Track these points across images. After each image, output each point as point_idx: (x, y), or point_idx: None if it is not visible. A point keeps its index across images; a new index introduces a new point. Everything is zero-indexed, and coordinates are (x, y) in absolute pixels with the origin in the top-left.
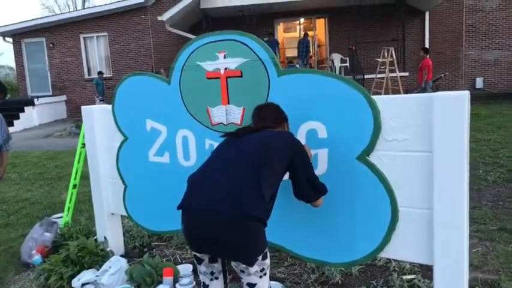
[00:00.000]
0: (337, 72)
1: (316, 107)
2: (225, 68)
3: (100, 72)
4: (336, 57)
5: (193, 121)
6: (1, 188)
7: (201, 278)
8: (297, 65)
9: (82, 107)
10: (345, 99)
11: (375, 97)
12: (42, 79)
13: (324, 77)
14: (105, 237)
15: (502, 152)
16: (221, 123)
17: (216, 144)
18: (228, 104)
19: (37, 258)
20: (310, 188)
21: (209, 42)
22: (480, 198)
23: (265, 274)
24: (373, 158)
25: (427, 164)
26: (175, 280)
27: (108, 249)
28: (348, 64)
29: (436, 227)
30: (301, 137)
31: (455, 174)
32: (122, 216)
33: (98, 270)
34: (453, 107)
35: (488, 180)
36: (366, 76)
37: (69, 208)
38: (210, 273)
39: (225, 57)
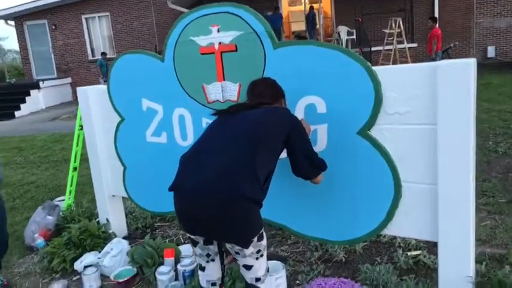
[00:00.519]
0: (344, 45)
1: (314, 81)
2: (219, 43)
3: (103, 53)
4: (343, 30)
5: (189, 99)
6: (7, 171)
7: (197, 260)
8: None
9: (77, 88)
10: (345, 71)
11: (375, 68)
12: (46, 62)
13: (322, 48)
14: (107, 219)
15: None
16: (218, 100)
17: None
18: (224, 80)
19: (40, 241)
20: (308, 165)
21: (202, 16)
22: (490, 170)
23: (261, 255)
24: (374, 132)
25: (431, 138)
26: (177, 261)
27: (111, 231)
28: (354, 37)
29: (441, 203)
30: (299, 112)
31: (461, 147)
32: (123, 197)
33: (99, 252)
34: (459, 76)
35: (498, 151)
36: (373, 48)
37: (70, 191)
38: (206, 255)
39: (218, 31)
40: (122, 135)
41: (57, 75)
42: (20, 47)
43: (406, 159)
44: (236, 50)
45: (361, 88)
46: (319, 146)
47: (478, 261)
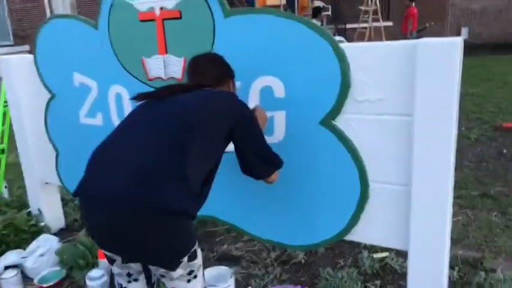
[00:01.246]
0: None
1: (271, 58)
2: (161, 8)
3: None
4: (318, 5)
5: (127, 75)
6: None
7: (116, 279)
8: None
9: (1, 57)
10: (307, 47)
11: (343, 45)
12: (1, 27)
13: (280, 18)
14: (39, 210)
15: (485, 107)
16: (159, 77)
17: None
18: (166, 53)
19: None
20: (259, 163)
21: None
22: (462, 159)
23: (195, 277)
24: (340, 122)
25: (405, 131)
26: None
27: (43, 223)
28: (329, 12)
29: (414, 208)
30: (254, 96)
31: (440, 145)
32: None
33: (24, 250)
34: (443, 58)
35: (470, 138)
36: (348, 26)
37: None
38: (127, 274)
39: None
40: (53, 114)
41: (14, 42)
42: None
43: (376, 156)
44: (180, 17)
45: (326, 68)
46: (276, 136)
47: (450, 266)
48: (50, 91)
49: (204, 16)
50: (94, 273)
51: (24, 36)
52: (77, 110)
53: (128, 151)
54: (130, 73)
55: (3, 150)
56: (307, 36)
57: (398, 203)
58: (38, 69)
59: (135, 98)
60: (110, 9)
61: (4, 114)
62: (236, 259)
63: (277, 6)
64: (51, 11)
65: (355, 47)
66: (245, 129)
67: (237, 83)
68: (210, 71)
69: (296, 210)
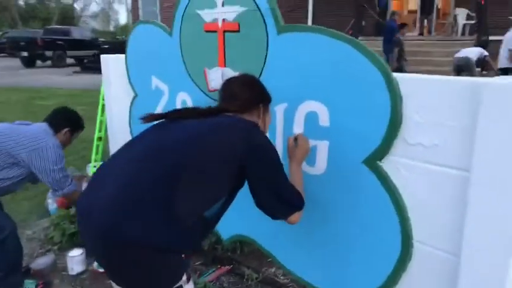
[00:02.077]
0: (460, 31)
1: (319, 82)
2: (223, 20)
3: None
4: (461, 13)
5: (192, 84)
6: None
7: None
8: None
9: (101, 55)
10: (356, 73)
11: (397, 75)
12: None
13: (332, 39)
14: None
15: None
16: (218, 90)
17: None
18: (225, 66)
19: (53, 208)
20: (274, 202)
21: None
22: None
23: None
24: (386, 166)
25: (460, 189)
26: None
27: None
28: (474, 21)
29: (462, 284)
30: (299, 120)
31: (501, 216)
32: None
33: None
34: None
35: None
36: (491, 37)
37: (95, 160)
38: None
39: (223, 5)
40: (135, 113)
41: None
42: (132, 7)
43: (423, 213)
44: (239, 30)
45: (375, 100)
46: (318, 167)
47: None
48: (133, 90)
49: (258, 30)
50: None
51: None
52: (152, 111)
53: (121, 168)
54: (194, 82)
55: (100, 138)
56: (357, 61)
57: (446, 272)
58: (127, 69)
59: (143, 119)
60: (182, 17)
61: (103, 106)
62: (279, 286)
63: (414, 12)
64: None
65: (411, 78)
66: (259, 168)
67: (283, 105)
68: (239, 95)
69: (330, 253)
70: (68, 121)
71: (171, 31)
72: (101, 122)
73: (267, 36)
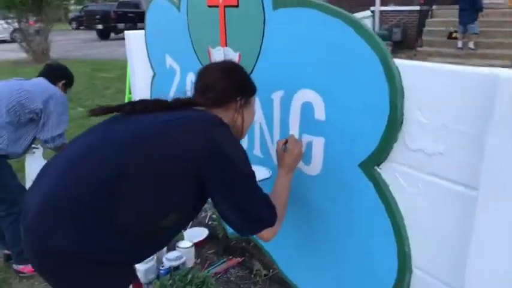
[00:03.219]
0: None
1: (314, 66)
2: None
3: None
4: None
5: (199, 64)
6: None
7: None
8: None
9: (125, 32)
10: (352, 58)
11: (398, 62)
12: None
13: (325, 14)
14: None
15: None
16: None
17: None
18: (226, 45)
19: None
20: (237, 217)
21: None
22: None
23: None
24: (384, 173)
25: (466, 212)
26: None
27: None
28: None
29: None
30: (295, 112)
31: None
32: None
33: None
34: None
35: None
36: None
37: None
38: None
39: None
40: (154, 93)
41: None
42: None
43: (423, 235)
44: (237, 5)
45: (372, 92)
46: (313, 167)
47: None
48: (152, 69)
49: (255, 5)
50: (171, 254)
51: None
52: (168, 92)
53: (55, 172)
54: (200, 62)
55: None
56: (354, 43)
57: None
58: (146, 47)
59: (92, 112)
60: None
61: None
62: (287, 286)
63: None
64: None
65: (413, 66)
66: (217, 178)
67: (279, 93)
68: (214, 86)
69: (322, 262)
70: (63, 75)
71: (179, 5)
72: (129, 99)
73: (264, 11)
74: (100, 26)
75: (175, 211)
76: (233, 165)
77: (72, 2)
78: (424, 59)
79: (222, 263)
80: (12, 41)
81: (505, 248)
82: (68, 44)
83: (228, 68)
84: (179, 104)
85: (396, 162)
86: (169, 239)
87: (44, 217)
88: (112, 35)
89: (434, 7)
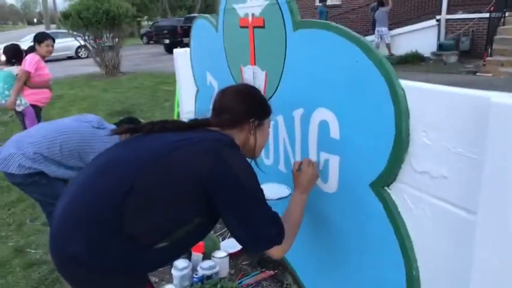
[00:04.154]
0: None
1: (329, 87)
2: (252, 14)
3: (323, 0)
4: None
5: (232, 81)
6: None
7: None
8: None
9: (174, 50)
10: (362, 79)
11: (405, 83)
12: None
13: (338, 36)
14: None
15: None
16: None
17: None
18: (255, 64)
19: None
20: (244, 235)
21: None
22: None
23: None
24: (394, 194)
25: (468, 237)
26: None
27: None
28: None
29: None
30: (313, 130)
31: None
32: None
33: None
34: None
35: None
36: None
37: None
38: None
39: None
40: (198, 108)
41: None
42: None
43: (431, 260)
44: (264, 27)
45: (380, 113)
46: (330, 185)
47: None
48: (196, 85)
49: (278, 26)
50: (180, 263)
51: None
52: (207, 108)
53: (78, 184)
54: (234, 80)
55: None
56: (363, 64)
57: None
58: (191, 64)
59: (114, 131)
60: (224, 12)
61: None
62: None
63: None
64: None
65: (417, 88)
66: (224, 195)
67: (300, 111)
68: (228, 108)
69: (340, 279)
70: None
71: (217, 26)
72: (178, 113)
73: (285, 32)
74: (167, 41)
75: (184, 226)
76: (240, 184)
77: (145, 18)
78: (494, 70)
79: (255, 275)
80: (77, 57)
81: (505, 276)
82: (138, 58)
83: (243, 91)
84: (196, 124)
85: (404, 183)
86: (180, 253)
87: (62, 226)
88: (178, 48)
89: (507, 14)
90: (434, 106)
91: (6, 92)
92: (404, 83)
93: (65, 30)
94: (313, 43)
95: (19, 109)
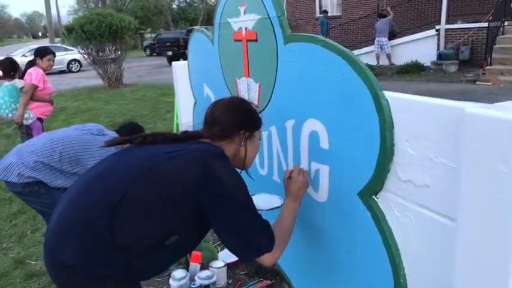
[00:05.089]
0: None
1: (318, 98)
2: (245, 28)
3: (324, 11)
4: None
5: (228, 93)
6: None
7: None
8: None
9: (173, 62)
10: (347, 90)
11: (388, 94)
12: None
13: (324, 49)
14: None
15: None
16: None
17: None
18: (249, 76)
19: None
20: (233, 242)
21: None
22: None
23: None
24: (382, 203)
25: (451, 243)
26: (205, 267)
27: None
28: None
29: None
30: (304, 141)
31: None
32: None
33: None
34: (504, 143)
35: None
36: None
37: None
38: None
39: (244, 13)
40: (195, 120)
41: None
42: None
43: (417, 265)
44: (256, 40)
45: (365, 124)
46: (321, 194)
47: None
48: (194, 97)
49: (270, 40)
50: (178, 273)
51: (294, 26)
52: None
53: (71, 194)
54: (229, 91)
55: None
56: (348, 76)
57: None
58: (189, 75)
59: (107, 143)
60: (219, 25)
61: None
62: None
63: None
64: (320, 6)
65: (399, 99)
66: (213, 204)
67: (291, 121)
68: (219, 120)
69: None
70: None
71: (213, 39)
72: (177, 124)
73: (277, 46)
74: (170, 53)
75: (175, 234)
76: (229, 193)
77: (148, 30)
78: (494, 78)
79: (252, 285)
80: (69, 71)
81: (485, 282)
82: (141, 70)
83: (234, 104)
84: (187, 136)
85: (391, 192)
86: (171, 261)
87: (56, 234)
88: (181, 60)
89: (506, 23)
90: (416, 116)
91: (13, 106)
92: (387, 94)
93: (58, 44)
94: (302, 56)
95: (27, 122)
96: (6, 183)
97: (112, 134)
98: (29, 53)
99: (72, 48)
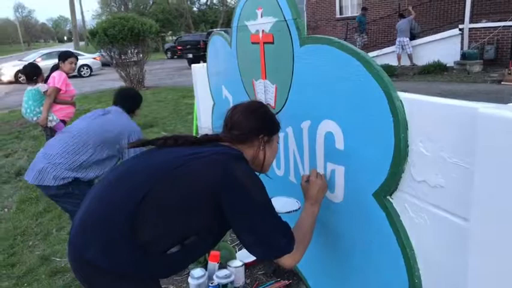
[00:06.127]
0: None
1: (334, 99)
2: (262, 31)
3: (364, 9)
4: None
5: (245, 95)
6: None
7: None
8: None
9: (192, 65)
10: (361, 91)
11: (402, 96)
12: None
13: (338, 51)
14: None
15: None
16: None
17: None
18: (266, 78)
19: None
20: (253, 243)
21: None
22: None
23: None
24: (396, 203)
25: (465, 243)
26: (224, 266)
27: None
28: None
29: None
30: (320, 141)
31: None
32: None
33: None
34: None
35: None
36: None
37: None
38: None
39: (261, 16)
40: (214, 121)
41: (307, 33)
42: None
43: (431, 265)
44: (273, 42)
45: (379, 124)
46: (336, 195)
47: None
48: (212, 98)
49: (286, 42)
50: (197, 272)
51: (314, 27)
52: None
53: (95, 193)
54: (247, 93)
55: None
56: (363, 77)
57: None
58: (208, 76)
59: (131, 145)
60: (237, 28)
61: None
62: None
63: None
64: (340, 7)
65: (414, 99)
66: (234, 205)
67: (307, 123)
68: (238, 125)
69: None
70: (137, 103)
71: (230, 42)
72: (196, 126)
73: (293, 48)
74: (190, 55)
75: (195, 234)
76: (249, 195)
77: (169, 33)
78: None
79: (269, 285)
80: (80, 75)
81: (498, 283)
82: (162, 72)
83: (253, 108)
84: (206, 139)
85: (405, 192)
86: (190, 261)
87: (80, 232)
88: (201, 62)
89: None
90: (430, 117)
91: (37, 109)
92: (401, 94)
93: (71, 49)
94: (318, 58)
95: (51, 125)
96: (41, 188)
97: (112, 109)
98: (39, 59)
99: (84, 54)
